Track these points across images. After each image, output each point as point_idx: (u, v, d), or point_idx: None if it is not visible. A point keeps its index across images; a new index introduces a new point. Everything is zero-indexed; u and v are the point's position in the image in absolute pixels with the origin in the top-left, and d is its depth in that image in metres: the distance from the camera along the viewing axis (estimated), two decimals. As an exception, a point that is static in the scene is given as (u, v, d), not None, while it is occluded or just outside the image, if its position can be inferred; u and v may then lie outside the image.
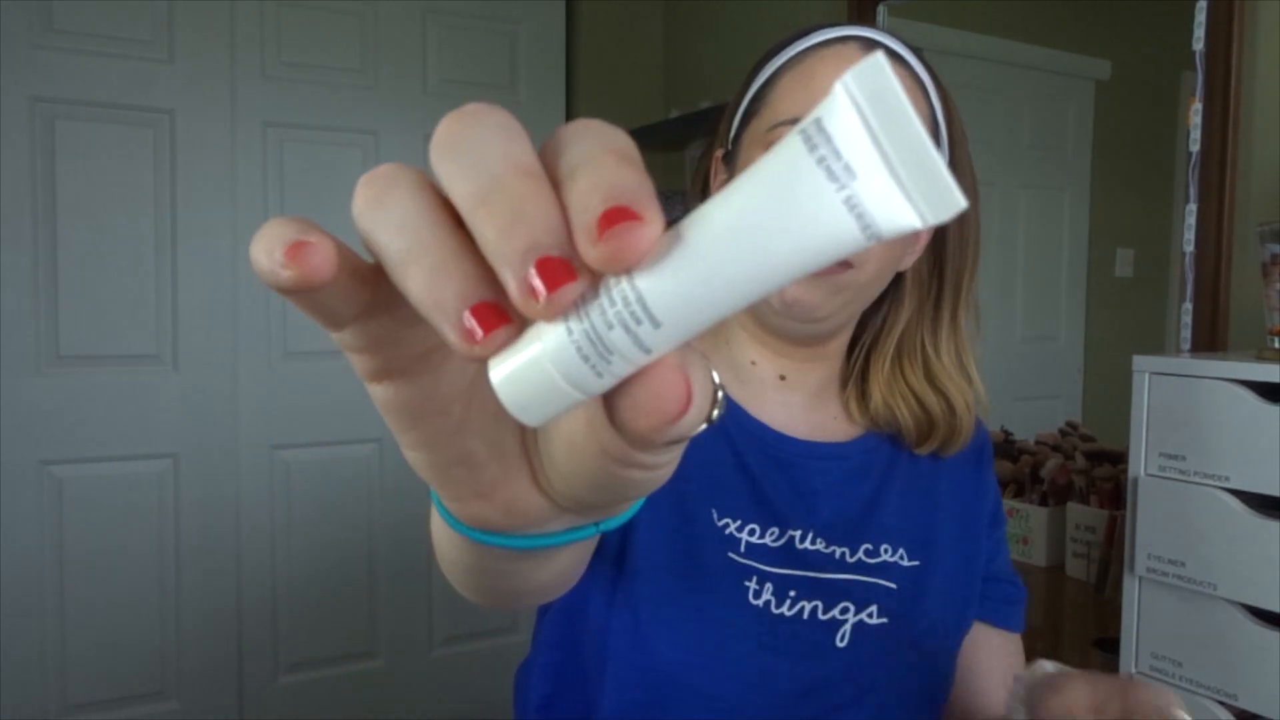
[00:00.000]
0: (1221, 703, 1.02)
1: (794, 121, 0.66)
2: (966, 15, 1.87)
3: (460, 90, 2.33)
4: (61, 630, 1.99)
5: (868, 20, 1.82)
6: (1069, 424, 1.79)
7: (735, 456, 0.74)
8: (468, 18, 2.34)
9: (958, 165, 0.73)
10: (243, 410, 2.14)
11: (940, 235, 0.74)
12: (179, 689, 2.11)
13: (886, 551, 0.73)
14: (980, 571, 0.78)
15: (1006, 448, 1.79)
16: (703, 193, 0.80)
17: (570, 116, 2.49)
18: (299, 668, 2.24)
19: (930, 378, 0.75)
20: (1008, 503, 1.71)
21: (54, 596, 1.98)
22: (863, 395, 0.77)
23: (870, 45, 0.69)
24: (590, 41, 2.48)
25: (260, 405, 2.16)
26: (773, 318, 0.73)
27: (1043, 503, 1.66)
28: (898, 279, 0.75)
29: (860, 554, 0.73)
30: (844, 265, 0.67)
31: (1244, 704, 1.00)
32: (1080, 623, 1.50)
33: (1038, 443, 1.76)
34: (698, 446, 0.72)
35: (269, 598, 2.19)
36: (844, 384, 0.78)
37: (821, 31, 0.72)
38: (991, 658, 0.79)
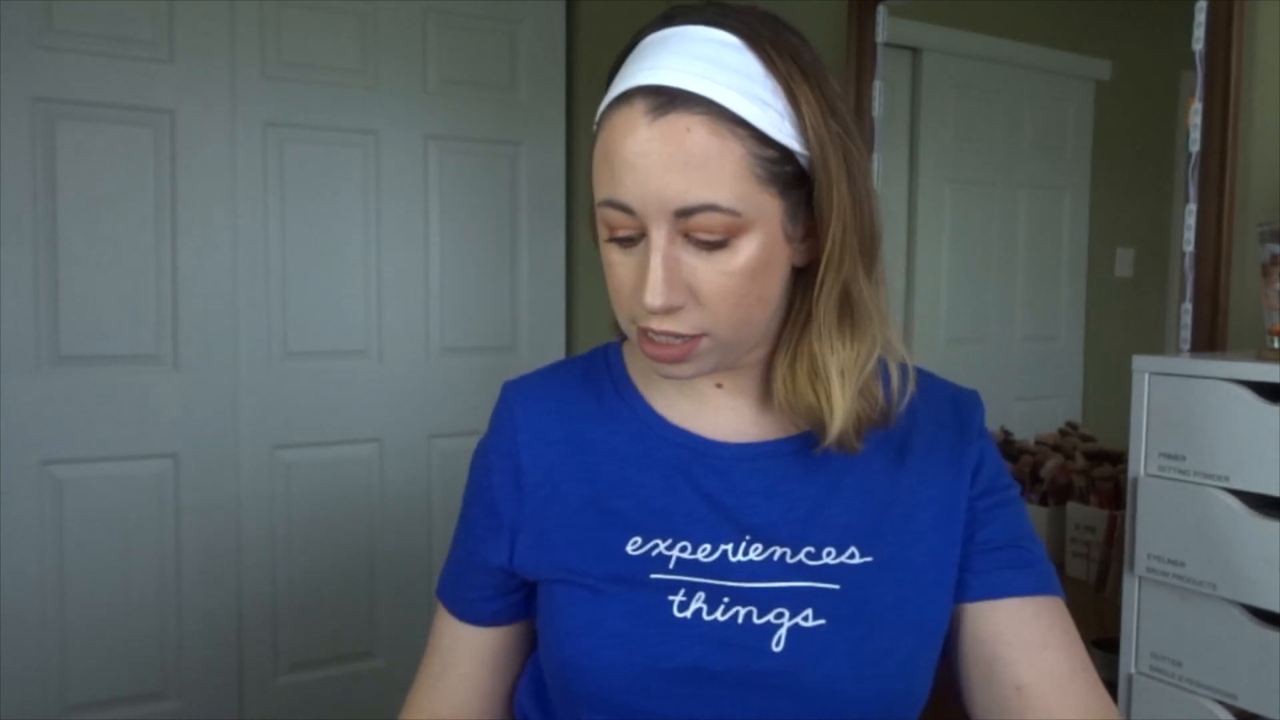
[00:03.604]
0: (1221, 703, 1.02)
1: (608, 204, 0.65)
2: (966, 15, 1.87)
3: (460, 90, 2.33)
4: (61, 630, 1.99)
5: (867, 22, 1.82)
6: (1069, 424, 1.78)
7: (670, 475, 0.74)
8: (468, 18, 2.34)
9: (816, 174, 0.66)
10: (243, 410, 2.14)
11: (825, 229, 0.68)
12: (179, 689, 2.11)
13: (830, 555, 0.71)
14: (954, 561, 0.73)
15: (1006, 448, 1.79)
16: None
17: (570, 117, 2.49)
18: (299, 668, 2.24)
19: (811, 381, 0.71)
20: (1008, 503, 1.70)
21: (54, 596, 1.98)
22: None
23: (656, 101, 0.63)
24: (590, 41, 2.48)
25: (260, 405, 2.16)
26: None
27: (1043, 503, 1.66)
28: (796, 276, 0.72)
29: (801, 555, 0.71)
30: (694, 338, 0.66)
31: (1244, 704, 1.00)
32: (1080, 623, 1.49)
33: (1038, 443, 1.76)
34: (625, 470, 0.74)
35: (269, 598, 2.19)
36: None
37: (641, 56, 0.66)
38: (1012, 631, 0.71)
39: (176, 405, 2.08)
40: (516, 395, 0.80)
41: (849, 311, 0.70)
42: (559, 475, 0.75)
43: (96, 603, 2.02)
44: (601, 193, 0.66)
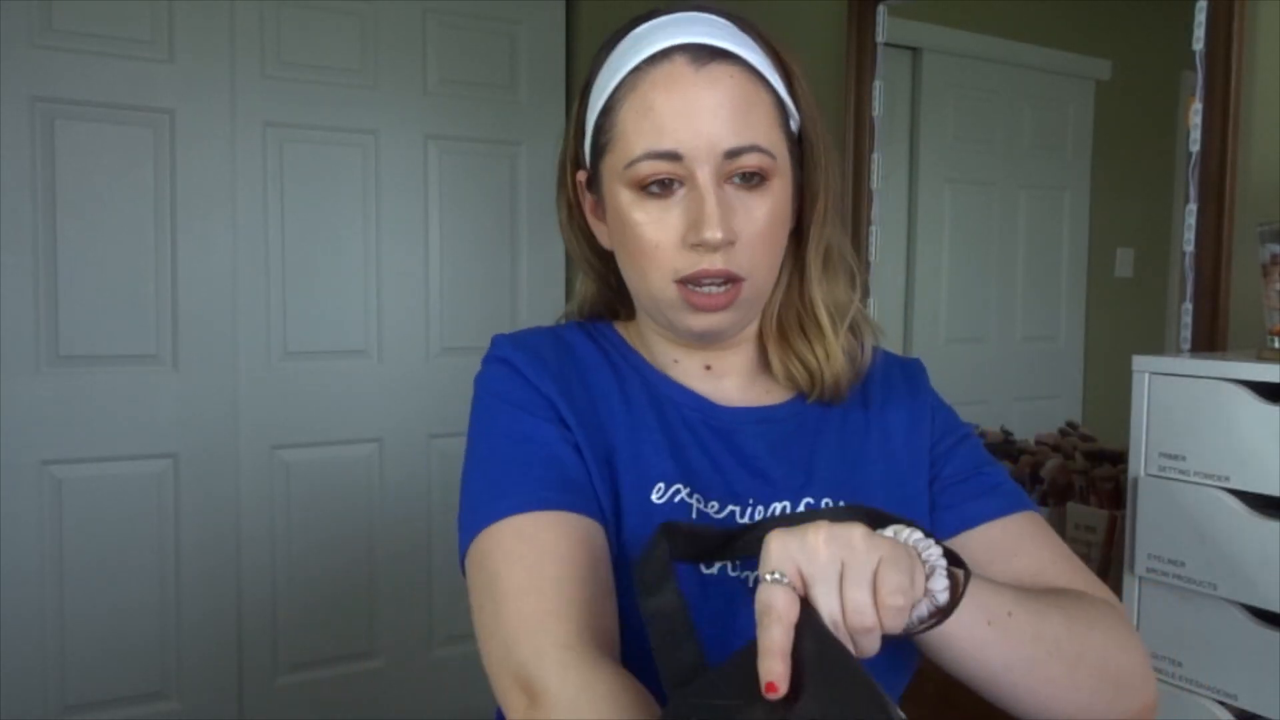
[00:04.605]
0: (1221, 703, 1.02)
1: (650, 155, 0.68)
2: (966, 15, 1.87)
3: (460, 90, 2.33)
4: (61, 630, 1.99)
5: (867, 22, 1.82)
6: (1069, 424, 1.78)
7: (679, 432, 0.76)
8: (468, 18, 2.34)
9: (808, 139, 0.75)
10: (243, 410, 2.14)
11: (799, 194, 0.76)
12: (179, 689, 2.11)
13: (809, 505, 0.74)
14: (924, 508, 0.77)
15: (1007, 448, 1.78)
16: (581, 221, 0.80)
17: (570, 116, 2.49)
18: (299, 668, 2.24)
19: (804, 331, 0.78)
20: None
21: (54, 596, 1.98)
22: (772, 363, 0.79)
23: (697, 54, 0.69)
24: (590, 41, 2.48)
25: (260, 405, 2.16)
26: (687, 337, 0.76)
27: (1043, 503, 1.66)
28: None
29: (801, 508, 0.74)
30: (737, 283, 0.70)
31: (1244, 704, 1.00)
32: (1080, 623, 1.49)
33: (1038, 443, 1.76)
34: (640, 426, 0.75)
35: (269, 598, 2.19)
36: (764, 357, 0.81)
37: (651, 33, 0.72)
38: (985, 553, 0.73)
39: (176, 405, 2.08)
40: (513, 347, 0.82)
41: (831, 260, 0.78)
42: (578, 423, 0.74)
43: (96, 603, 2.02)
44: (639, 147, 0.69)
